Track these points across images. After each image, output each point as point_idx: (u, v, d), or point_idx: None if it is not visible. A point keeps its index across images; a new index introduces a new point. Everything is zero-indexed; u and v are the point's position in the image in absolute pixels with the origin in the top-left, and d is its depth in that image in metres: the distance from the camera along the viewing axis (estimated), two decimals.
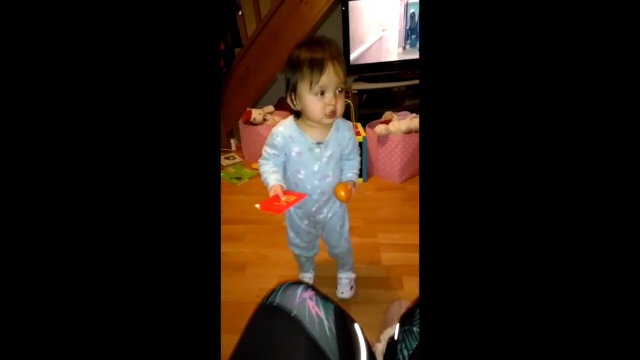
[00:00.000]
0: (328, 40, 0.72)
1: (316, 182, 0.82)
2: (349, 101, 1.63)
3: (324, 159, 0.80)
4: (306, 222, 0.92)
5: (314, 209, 0.86)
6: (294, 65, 0.71)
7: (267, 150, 0.82)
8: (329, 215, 0.90)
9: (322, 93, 0.70)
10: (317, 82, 0.68)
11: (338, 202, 0.90)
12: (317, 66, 0.68)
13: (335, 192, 0.80)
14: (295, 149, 0.80)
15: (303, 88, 0.71)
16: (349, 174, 0.85)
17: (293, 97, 0.74)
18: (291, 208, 0.88)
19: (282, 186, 0.78)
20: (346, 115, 1.78)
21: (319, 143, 0.79)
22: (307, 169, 0.81)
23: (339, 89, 0.71)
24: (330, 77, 0.68)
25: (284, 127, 0.80)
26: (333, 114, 0.72)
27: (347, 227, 0.96)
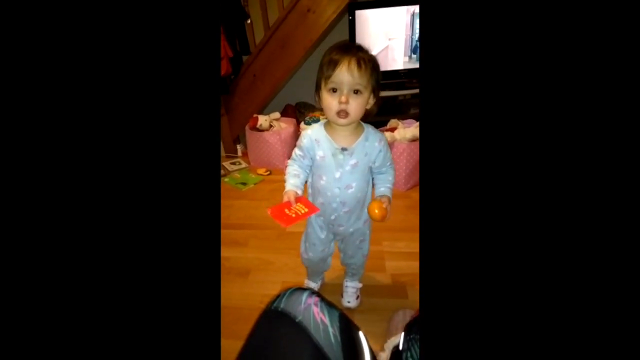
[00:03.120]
0: (360, 46, 0.73)
1: (337, 190, 0.80)
2: None
3: (347, 167, 0.77)
4: (325, 233, 0.90)
5: (332, 217, 0.84)
6: (320, 63, 0.73)
7: (295, 151, 0.83)
8: (350, 229, 0.87)
9: (335, 90, 0.70)
10: (329, 77, 0.69)
11: (362, 219, 0.87)
12: (332, 62, 0.69)
13: (369, 211, 0.76)
14: (319, 153, 0.79)
15: (322, 84, 0.72)
16: (382, 189, 0.81)
17: (317, 94, 0.75)
18: (312, 215, 0.85)
19: (296, 192, 0.77)
20: None
21: (343, 149, 0.77)
22: (328, 175, 0.79)
23: (355, 90, 0.70)
24: (342, 74, 0.68)
25: (312, 130, 0.80)
26: (344, 114, 0.71)
27: (367, 243, 0.94)
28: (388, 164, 0.82)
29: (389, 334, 0.87)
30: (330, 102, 0.71)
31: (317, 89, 0.74)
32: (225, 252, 1.25)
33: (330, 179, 0.79)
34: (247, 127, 1.91)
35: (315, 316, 0.45)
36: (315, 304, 0.47)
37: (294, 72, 1.93)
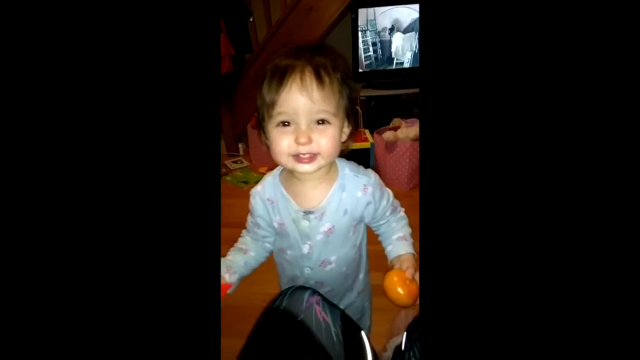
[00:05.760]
0: (318, 47, 0.47)
1: (307, 270, 0.54)
2: (357, 108, 1.64)
3: (319, 237, 0.50)
4: None
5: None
6: (260, 80, 0.45)
7: (248, 218, 0.58)
8: (342, 306, 0.59)
9: (288, 124, 0.43)
10: (273, 102, 0.42)
11: (355, 290, 0.60)
12: (275, 76, 0.42)
13: (386, 289, 0.45)
14: (276, 219, 0.53)
15: (264, 114, 0.45)
16: (392, 246, 0.52)
17: (261, 130, 0.48)
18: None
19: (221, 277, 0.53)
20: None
21: (307, 212, 0.50)
22: (293, 250, 0.54)
23: (319, 119, 0.43)
24: (293, 96, 0.41)
25: (262, 185, 0.54)
26: (308, 156, 0.43)
27: (368, 318, 0.66)
28: (388, 213, 0.53)
29: (391, 334, 0.87)
30: (281, 143, 0.44)
31: (260, 122, 0.47)
32: (227, 251, 1.25)
33: (296, 254, 0.54)
34: (249, 126, 1.91)
35: (317, 315, 0.45)
36: (317, 303, 0.47)
37: None
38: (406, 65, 1.89)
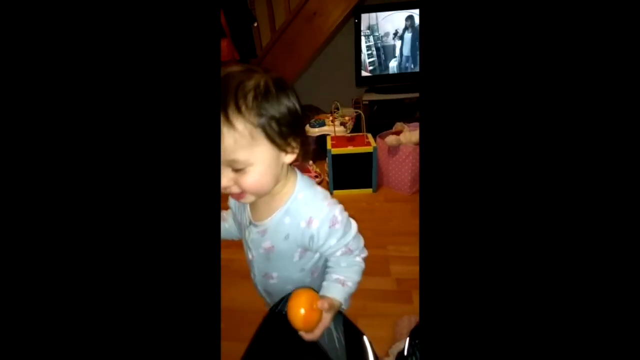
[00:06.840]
0: (237, 77, 0.39)
1: (253, 276, 0.57)
2: (360, 112, 1.64)
3: (260, 250, 0.50)
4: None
5: (266, 307, 0.61)
6: None
7: None
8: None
9: None
10: None
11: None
12: None
13: (291, 298, 0.43)
14: (238, 215, 0.55)
15: None
16: (328, 284, 0.48)
17: None
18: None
19: None
20: (357, 128, 1.78)
21: (253, 224, 0.50)
22: (246, 252, 0.55)
23: (233, 168, 0.39)
24: None
25: None
26: (238, 194, 0.42)
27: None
28: (339, 253, 0.48)
29: (393, 339, 0.86)
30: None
31: None
32: (230, 254, 1.25)
33: (247, 257, 0.55)
34: None
35: None
36: None
37: (300, 75, 1.93)
38: (391, 71, 1.90)
